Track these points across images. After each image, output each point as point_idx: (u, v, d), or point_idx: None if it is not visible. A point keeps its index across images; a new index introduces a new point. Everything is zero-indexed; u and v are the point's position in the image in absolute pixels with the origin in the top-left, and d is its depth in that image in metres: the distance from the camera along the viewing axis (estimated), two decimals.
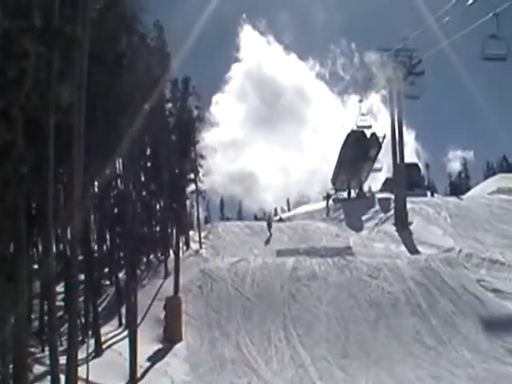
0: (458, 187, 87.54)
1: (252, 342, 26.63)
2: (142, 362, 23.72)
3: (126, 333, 25.29)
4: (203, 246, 41.22)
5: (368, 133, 55.16)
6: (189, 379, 23.68)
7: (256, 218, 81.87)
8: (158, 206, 40.01)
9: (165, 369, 24.19)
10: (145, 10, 27.01)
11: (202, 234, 42.85)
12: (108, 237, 35.24)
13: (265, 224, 45.69)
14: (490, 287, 31.25)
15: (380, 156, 57.62)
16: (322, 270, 31.87)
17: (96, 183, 29.68)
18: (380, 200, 52.49)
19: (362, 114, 54.50)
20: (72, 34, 16.77)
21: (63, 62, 16.77)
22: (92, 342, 24.18)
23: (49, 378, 16.09)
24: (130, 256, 26.27)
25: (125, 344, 23.47)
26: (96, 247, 33.07)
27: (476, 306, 28.97)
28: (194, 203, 44.33)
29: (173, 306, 28.03)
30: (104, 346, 25.13)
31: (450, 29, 42.28)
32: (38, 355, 22.27)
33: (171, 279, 30.94)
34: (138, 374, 22.14)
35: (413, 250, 39.41)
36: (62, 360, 16.29)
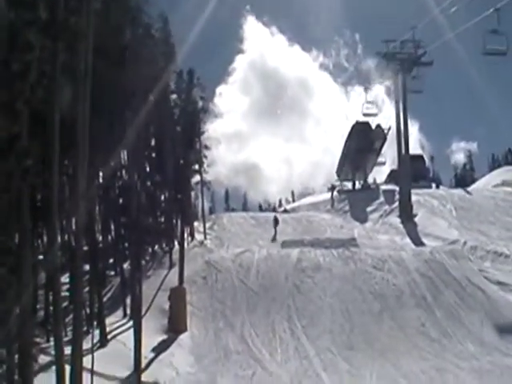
0: (463, 179, 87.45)
1: (256, 333, 26.67)
2: (147, 353, 23.81)
3: (130, 323, 25.37)
4: (208, 236, 41.27)
5: (374, 121, 55.05)
6: (193, 370, 23.73)
7: (261, 209, 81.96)
8: (162, 197, 39.99)
9: (169, 360, 24.25)
10: (149, 2, 27.02)
11: (207, 225, 42.90)
12: (113, 227, 35.30)
13: (271, 216, 45.72)
14: (495, 280, 31.27)
15: (384, 149, 57.56)
16: (327, 262, 31.90)
17: (101, 174, 29.68)
18: (385, 192, 52.42)
19: (368, 102, 54.09)
20: (76, 26, 16.77)
21: (68, 54, 16.77)
22: (97, 332, 24.21)
23: (54, 368, 16.13)
24: (135, 247, 26.33)
25: (129, 334, 23.55)
26: (101, 238, 33.13)
27: (480, 299, 29.00)
28: (199, 194, 44.40)
29: (177, 297, 28.06)
30: (109, 337, 25.25)
31: (455, 21, 42.36)
32: (43, 345, 22.33)
33: (176, 270, 30.99)
34: (143, 365, 22.20)
35: (417, 242, 39.41)
36: (67, 350, 16.34)
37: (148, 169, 37.48)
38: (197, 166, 40.35)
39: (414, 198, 46.76)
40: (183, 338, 26.60)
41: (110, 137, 24.77)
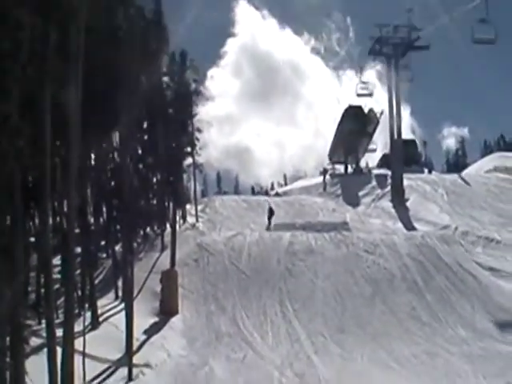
0: (455, 165, 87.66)
1: (248, 316, 26.72)
2: (139, 335, 23.77)
3: (122, 306, 25.30)
4: (200, 219, 41.25)
5: (367, 105, 55.01)
6: (185, 353, 23.75)
7: (253, 192, 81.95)
8: (154, 180, 39.89)
9: (161, 342, 24.27)
10: None
11: (199, 208, 42.89)
12: (105, 210, 35.16)
13: (263, 200, 45.78)
14: (486, 265, 31.40)
15: (375, 135, 57.63)
16: (319, 245, 31.96)
17: (93, 156, 29.56)
18: (377, 176, 52.55)
19: (363, 83, 53.83)
20: (68, 6, 16.56)
21: (59, 34, 16.58)
22: (88, 314, 24.21)
23: (45, 350, 16.09)
24: (127, 229, 26.25)
25: (121, 317, 23.50)
26: (93, 220, 32.99)
27: (471, 284, 29.13)
28: (191, 177, 44.29)
29: (169, 280, 28.05)
30: (100, 319, 25.22)
31: (447, 6, 42.73)
32: (35, 328, 22.28)
33: (168, 252, 30.97)
34: (134, 347, 22.16)
35: (409, 227, 39.56)
36: (59, 333, 16.29)
37: (140, 151, 37.31)
38: (189, 149, 40.22)
39: (406, 182, 46.91)
40: (175, 320, 26.62)
41: (103, 118, 24.59)
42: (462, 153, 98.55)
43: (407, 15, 47.00)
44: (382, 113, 53.66)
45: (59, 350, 15.98)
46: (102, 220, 34.82)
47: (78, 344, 19.04)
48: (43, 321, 19.63)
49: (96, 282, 28.45)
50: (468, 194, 46.09)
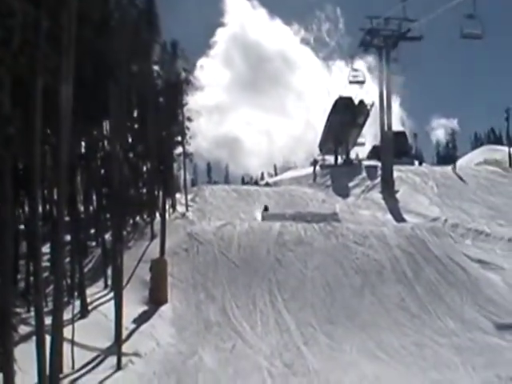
0: (445, 157, 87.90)
1: (237, 305, 26.72)
2: (128, 324, 23.74)
3: (111, 294, 25.29)
4: (190, 209, 41.26)
5: (358, 96, 55.03)
6: (174, 342, 23.74)
7: (243, 182, 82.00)
8: (144, 168, 39.85)
9: (150, 331, 24.23)
10: None
11: (189, 197, 42.89)
12: (94, 198, 35.10)
13: (253, 190, 45.85)
14: (475, 258, 31.52)
15: (364, 128, 57.71)
16: (308, 236, 31.96)
17: (83, 144, 29.44)
18: (367, 167, 52.69)
19: (355, 70, 53.57)
20: None
21: (51, 22, 16.47)
22: (77, 303, 24.14)
23: (34, 338, 16.05)
24: (117, 218, 26.16)
25: (110, 305, 23.47)
26: (82, 208, 32.89)
27: (461, 276, 29.19)
28: (181, 166, 44.29)
29: (158, 268, 28.01)
30: (89, 308, 25.14)
31: None
32: (24, 316, 22.20)
33: (157, 241, 30.89)
34: (123, 336, 22.12)
35: (399, 219, 39.72)
36: (48, 321, 16.26)
37: (130, 140, 37.24)
38: (179, 138, 40.24)
39: (396, 174, 47.06)
40: (164, 309, 26.60)
41: (93, 107, 24.50)
42: (452, 145, 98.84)
43: (401, 6, 47.06)
44: (372, 104, 53.74)
45: (48, 338, 15.95)
46: (91, 208, 34.77)
47: (67, 332, 19.09)
48: (32, 309, 19.56)
49: (85, 270, 28.37)
50: (458, 187, 46.28)
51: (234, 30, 78.47)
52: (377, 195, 45.51)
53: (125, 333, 22.62)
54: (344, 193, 47.49)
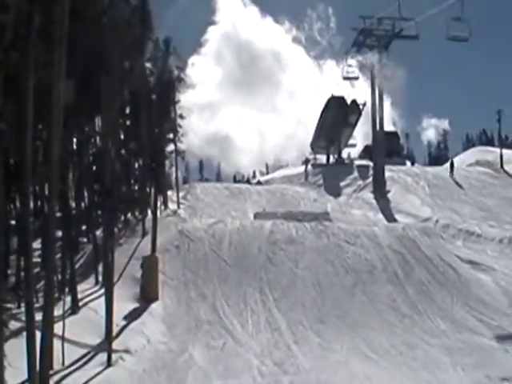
0: (437, 157, 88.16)
1: (228, 304, 26.70)
2: (118, 321, 23.68)
3: (102, 291, 25.17)
4: (181, 206, 41.20)
5: (351, 93, 55.08)
6: (164, 339, 23.70)
7: (235, 180, 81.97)
8: (136, 165, 39.74)
9: (141, 328, 24.19)
10: None
11: (181, 195, 42.84)
12: (86, 194, 34.96)
13: (244, 188, 45.84)
14: (466, 258, 31.63)
15: (355, 130, 57.75)
16: (300, 235, 31.97)
17: (75, 140, 29.31)
18: (359, 167, 52.74)
19: (349, 66, 53.37)
20: None
21: (43, 17, 16.39)
22: (68, 299, 24.05)
23: (24, 334, 15.99)
24: (108, 214, 26.08)
25: (101, 302, 23.39)
26: (74, 204, 32.78)
27: (451, 277, 29.29)
28: (173, 163, 44.19)
29: (150, 265, 27.97)
30: (80, 304, 25.06)
31: None
32: (14, 311, 22.08)
33: (149, 238, 30.83)
34: (114, 333, 22.07)
35: (390, 219, 39.82)
36: (38, 317, 16.17)
37: (122, 136, 37.12)
38: (171, 135, 40.17)
39: (387, 174, 47.15)
40: (155, 306, 26.55)
41: (85, 103, 24.43)
42: (443, 146, 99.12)
43: (393, 7, 47.19)
44: (364, 104, 53.82)
45: (38, 333, 15.86)
46: (83, 204, 34.63)
47: (58, 328, 18.98)
48: (23, 304, 19.51)
49: (76, 266, 28.25)
50: (449, 187, 46.39)
51: (225, 28, 78.06)
52: (368, 195, 45.61)
53: (115, 329, 22.55)
54: (336, 192, 47.53)
